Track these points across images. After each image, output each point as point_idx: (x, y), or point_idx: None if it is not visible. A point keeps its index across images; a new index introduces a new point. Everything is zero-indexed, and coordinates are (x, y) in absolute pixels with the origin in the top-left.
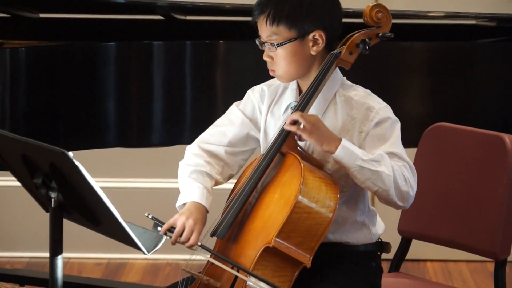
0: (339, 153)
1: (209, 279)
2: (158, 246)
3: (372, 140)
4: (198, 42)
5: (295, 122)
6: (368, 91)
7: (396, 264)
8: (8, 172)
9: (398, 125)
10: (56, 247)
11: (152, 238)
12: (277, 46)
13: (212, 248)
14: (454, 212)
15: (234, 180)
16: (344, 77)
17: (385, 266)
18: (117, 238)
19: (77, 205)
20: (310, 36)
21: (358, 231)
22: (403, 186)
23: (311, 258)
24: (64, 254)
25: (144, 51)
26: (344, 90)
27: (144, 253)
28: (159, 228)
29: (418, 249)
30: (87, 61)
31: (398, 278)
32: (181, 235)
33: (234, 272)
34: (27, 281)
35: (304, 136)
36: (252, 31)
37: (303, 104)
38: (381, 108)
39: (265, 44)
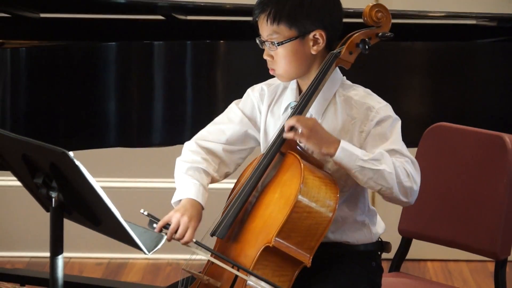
0: (338, 155)
1: (209, 279)
2: (159, 246)
3: (373, 139)
4: (198, 42)
5: (292, 128)
6: (368, 90)
7: (396, 264)
8: (9, 172)
9: (398, 123)
10: (56, 247)
11: (152, 238)
12: (278, 45)
13: (212, 247)
14: (454, 212)
15: (234, 180)
16: (344, 77)
17: (386, 265)
18: (117, 238)
19: (77, 204)
20: (311, 36)
21: (358, 231)
22: (406, 182)
23: (311, 257)
24: (65, 254)
25: (145, 51)
26: (344, 90)
27: (145, 253)
28: (154, 225)
29: (419, 248)
30: (87, 61)
31: (398, 278)
32: (176, 231)
33: (234, 271)
34: (28, 281)
35: (302, 141)
36: (252, 31)
37: (303, 104)
38: (381, 108)
39: (266, 43)
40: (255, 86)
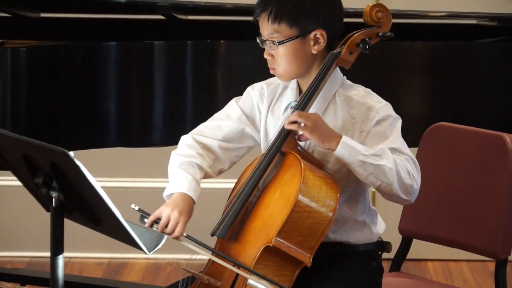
0: (340, 150)
1: (210, 279)
2: (159, 246)
3: (373, 138)
4: (199, 41)
5: (295, 122)
6: (369, 90)
7: (397, 264)
8: (9, 172)
9: (399, 122)
10: (57, 246)
11: (153, 238)
12: (278, 44)
13: (212, 247)
14: (454, 211)
15: (234, 180)
16: (344, 77)
17: (386, 265)
18: (118, 238)
19: (78, 204)
20: (312, 35)
21: (358, 231)
22: (406, 180)
23: (312, 257)
24: (65, 254)
25: (145, 51)
26: (344, 90)
27: (145, 253)
28: (145, 220)
29: (419, 248)
30: (88, 61)
31: (399, 278)
32: (167, 226)
33: (235, 269)
34: (28, 280)
35: (305, 134)
36: (253, 31)
37: (303, 103)
38: (381, 107)
39: (266, 42)
40: (255, 84)
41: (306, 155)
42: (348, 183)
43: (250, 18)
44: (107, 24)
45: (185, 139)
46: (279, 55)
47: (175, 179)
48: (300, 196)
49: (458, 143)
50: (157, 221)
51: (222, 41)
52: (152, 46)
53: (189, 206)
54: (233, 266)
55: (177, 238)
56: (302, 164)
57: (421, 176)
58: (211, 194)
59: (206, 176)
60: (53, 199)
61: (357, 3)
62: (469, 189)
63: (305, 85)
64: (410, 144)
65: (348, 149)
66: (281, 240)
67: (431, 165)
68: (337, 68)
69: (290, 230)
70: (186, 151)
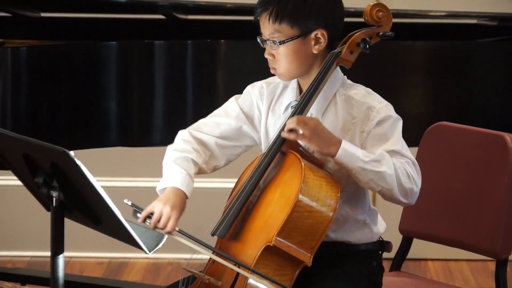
0: (339, 156)
1: (210, 278)
2: (160, 245)
3: (373, 139)
4: (199, 41)
5: (292, 130)
6: (369, 90)
7: (397, 263)
8: (10, 171)
9: (399, 123)
10: (57, 246)
11: (153, 237)
12: (279, 44)
13: (213, 246)
14: (455, 211)
15: (235, 180)
16: (345, 76)
17: (386, 265)
18: (118, 237)
19: (78, 204)
20: (312, 35)
21: (359, 230)
22: (406, 184)
23: (312, 257)
24: (66, 253)
25: (146, 51)
26: (344, 89)
27: (146, 252)
28: (138, 215)
29: (419, 248)
30: (88, 61)
31: (399, 277)
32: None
33: (235, 268)
34: (29, 280)
35: (303, 142)
36: (253, 31)
37: (303, 103)
38: (382, 108)
39: (267, 42)
40: (255, 83)
41: (307, 155)
42: (348, 182)
43: (251, 18)
44: (107, 24)
45: (181, 134)
46: (280, 55)
47: (168, 173)
48: (300, 196)
49: (459, 142)
50: (150, 216)
51: (222, 40)
52: (153, 46)
53: (181, 201)
54: (230, 262)
55: (169, 233)
56: (303, 163)
57: (422, 176)
58: (212, 193)
59: (200, 171)
60: (54, 199)
61: (357, 2)
62: (470, 188)
63: (306, 84)
64: (411, 143)
65: (348, 155)
66: (281, 240)
67: (431, 164)
68: (338, 67)
69: (291, 230)
70: (182, 146)
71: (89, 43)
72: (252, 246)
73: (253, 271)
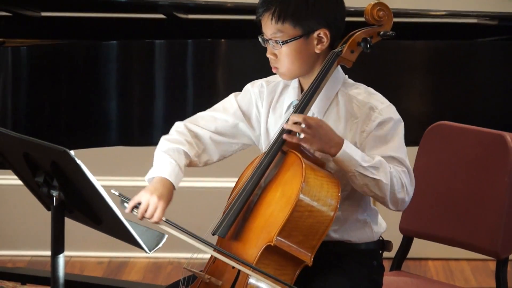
0: (338, 157)
1: (211, 278)
2: (160, 245)
3: (373, 140)
4: (199, 40)
5: (290, 132)
6: (371, 89)
7: (397, 263)
8: (10, 171)
9: (401, 125)
10: (57, 245)
11: (153, 237)
12: (282, 44)
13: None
14: (455, 210)
15: (235, 179)
16: (346, 76)
17: (387, 264)
18: (118, 237)
19: (78, 203)
20: (315, 34)
21: (359, 229)
22: (399, 193)
23: (313, 256)
24: (66, 253)
25: (146, 50)
26: (346, 89)
27: (146, 252)
28: (125, 204)
29: (420, 247)
30: (88, 60)
31: (399, 277)
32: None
33: (236, 265)
34: (29, 279)
35: (304, 144)
36: (254, 30)
37: (304, 102)
38: (384, 109)
39: (269, 41)
40: (255, 81)
41: (308, 154)
42: (348, 182)
43: (251, 17)
44: (108, 23)
45: (177, 125)
46: (282, 55)
47: (158, 163)
48: (301, 195)
49: (459, 142)
50: (137, 206)
51: (222, 40)
52: (153, 45)
53: (168, 191)
54: (218, 253)
55: (156, 223)
56: (303, 163)
57: (422, 175)
58: (212, 193)
59: (192, 164)
60: (54, 198)
61: (358, 1)
62: (470, 188)
63: (307, 83)
64: (411, 143)
65: (347, 158)
66: (282, 240)
67: (431, 164)
68: (339, 67)
69: (291, 229)
70: (175, 137)
71: (90, 43)
72: (252, 246)
73: (254, 269)
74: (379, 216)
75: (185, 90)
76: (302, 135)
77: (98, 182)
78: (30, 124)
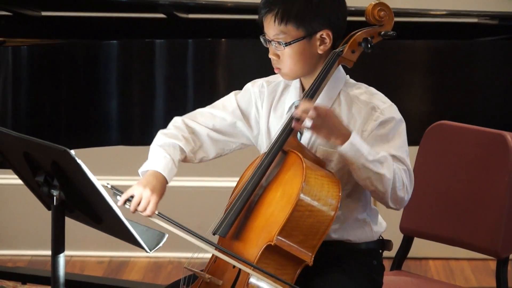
0: (344, 149)
1: (211, 277)
2: (160, 244)
3: (374, 139)
4: (200, 40)
5: (304, 113)
6: (372, 89)
7: (398, 262)
8: (10, 170)
9: (402, 125)
10: (58, 245)
11: (154, 236)
12: (285, 46)
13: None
14: (456, 210)
15: (236, 178)
16: (347, 76)
17: (387, 264)
18: (119, 236)
19: (79, 203)
20: (318, 35)
21: (359, 229)
22: (399, 191)
23: (313, 256)
24: (66, 252)
25: (146, 49)
26: (348, 89)
27: (146, 251)
28: (118, 197)
29: (420, 247)
30: (89, 60)
31: (400, 276)
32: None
33: (237, 264)
34: (29, 279)
35: (312, 132)
36: (254, 30)
37: None
38: (385, 108)
39: (272, 42)
40: (255, 80)
41: (308, 154)
42: (349, 181)
43: (251, 17)
44: (108, 23)
45: (175, 120)
46: (285, 56)
47: (153, 157)
48: (301, 195)
49: (459, 141)
50: (130, 199)
51: (223, 39)
52: (153, 45)
53: (161, 185)
54: (215, 249)
55: (149, 216)
56: (304, 163)
57: (422, 175)
58: (213, 192)
59: (187, 160)
60: (54, 198)
61: (359, 1)
62: (470, 187)
63: (308, 84)
64: (411, 143)
65: (353, 150)
66: (282, 239)
67: (432, 163)
68: (340, 67)
69: (292, 229)
70: (172, 131)
71: (90, 42)
72: (253, 245)
73: (255, 267)
74: (379, 216)
75: (185, 89)
76: (309, 123)
77: (99, 182)
78: (30, 124)
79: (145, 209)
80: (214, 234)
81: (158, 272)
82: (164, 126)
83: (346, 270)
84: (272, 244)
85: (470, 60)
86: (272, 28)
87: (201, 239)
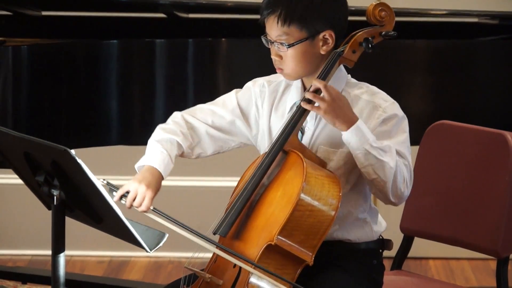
0: (348, 134)
1: (212, 277)
2: (160, 244)
3: (377, 136)
4: (200, 40)
5: (316, 91)
6: (374, 87)
7: (398, 262)
8: (10, 170)
9: (405, 122)
10: (58, 244)
11: (154, 236)
12: (288, 47)
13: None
14: (456, 210)
15: (237, 178)
16: (349, 75)
17: (387, 263)
18: (119, 236)
19: (79, 202)
20: (320, 36)
21: (359, 228)
22: (400, 184)
23: (313, 256)
24: (67, 252)
25: (147, 49)
26: (349, 88)
27: (146, 251)
28: (114, 193)
29: (420, 247)
30: (89, 59)
31: (400, 276)
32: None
33: (237, 262)
34: (29, 279)
35: (319, 112)
36: (254, 29)
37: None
38: (387, 106)
39: (274, 43)
40: (256, 79)
41: (309, 154)
42: (348, 181)
43: (251, 16)
44: (108, 22)
45: (174, 115)
46: (288, 57)
47: (150, 152)
48: (302, 195)
49: (460, 141)
50: (125, 195)
51: (223, 39)
52: (154, 44)
53: (157, 180)
54: (212, 245)
55: (144, 211)
56: (304, 162)
57: (423, 174)
58: (213, 192)
59: (184, 155)
60: (54, 197)
61: (360, 1)
62: (471, 187)
63: (310, 83)
64: (412, 142)
65: (358, 135)
66: (283, 239)
67: (432, 163)
68: (341, 66)
69: (292, 229)
70: (170, 127)
71: (90, 42)
72: (253, 245)
73: (256, 265)
74: (379, 216)
75: (186, 89)
76: (318, 104)
77: (99, 181)
78: (30, 123)
79: (140, 205)
80: (214, 233)
81: (158, 272)
82: None
83: (346, 269)
84: (273, 243)
85: (470, 60)
86: (274, 29)
87: (198, 235)
